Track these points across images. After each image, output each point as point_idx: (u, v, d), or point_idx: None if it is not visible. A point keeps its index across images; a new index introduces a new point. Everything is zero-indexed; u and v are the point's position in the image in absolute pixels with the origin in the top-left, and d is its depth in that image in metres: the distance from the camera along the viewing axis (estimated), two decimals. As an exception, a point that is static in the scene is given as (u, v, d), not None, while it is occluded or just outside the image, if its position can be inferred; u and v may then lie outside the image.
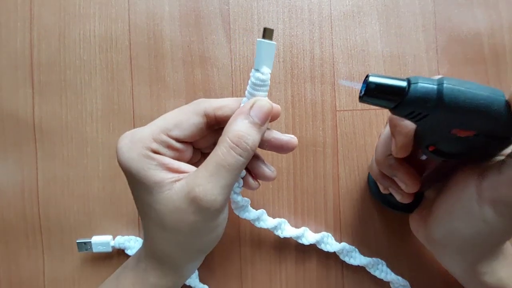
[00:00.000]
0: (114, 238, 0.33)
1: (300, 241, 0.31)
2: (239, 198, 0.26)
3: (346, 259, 0.31)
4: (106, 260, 0.33)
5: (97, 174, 0.33)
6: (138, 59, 0.33)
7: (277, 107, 0.23)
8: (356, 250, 0.32)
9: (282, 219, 0.31)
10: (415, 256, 0.32)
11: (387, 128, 0.23)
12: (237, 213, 0.28)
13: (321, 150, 0.33)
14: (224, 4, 0.33)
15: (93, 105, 0.33)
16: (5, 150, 0.34)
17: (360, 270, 0.32)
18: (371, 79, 0.18)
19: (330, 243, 0.31)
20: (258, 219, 0.30)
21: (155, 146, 0.22)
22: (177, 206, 0.21)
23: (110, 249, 0.32)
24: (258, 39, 0.22)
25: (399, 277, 0.31)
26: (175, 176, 0.22)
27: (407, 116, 0.18)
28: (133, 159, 0.22)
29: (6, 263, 0.34)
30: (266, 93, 0.23)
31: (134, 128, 0.33)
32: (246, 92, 0.23)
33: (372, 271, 0.31)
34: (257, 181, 0.25)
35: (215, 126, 0.24)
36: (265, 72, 0.22)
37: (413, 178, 0.23)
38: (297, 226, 0.32)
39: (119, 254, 0.33)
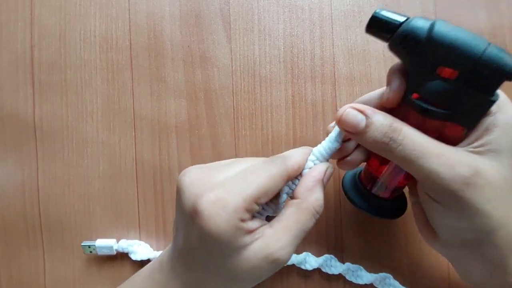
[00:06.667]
0: (117, 241, 0.33)
1: (324, 270, 0.32)
2: None
3: (353, 279, 0.31)
4: (106, 261, 0.33)
5: (97, 174, 0.33)
6: (139, 59, 0.33)
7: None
8: (361, 268, 0.31)
9: (329, 256, 0.32)
10: (418, 265, 0.32)
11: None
12: None
13: (321, 150, 0.33)
14: (225, 4, 0.33)
15: (93, 105, 0.33)
16: (5, 150, 0.34)
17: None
18: (377, 11, 0.20)
19: (334, 265, 0.31)
20: (303, 261, 0.31)
21: (246, 216, 0.21)
22: (254, 265, 0.21)
23: (114, 252, 0.32)
24: None
25: None
26: (251, 237, 0.21)
27: (398, 46, 0.20)
28: (224, 230, 0.20)
29: (6, 263, 0.34)
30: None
31: (134, 128, 0.33)
32: (318, 151, 0.24)
33: (380, 287, 0.31)
34: None
35: None
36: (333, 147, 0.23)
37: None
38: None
39: (122, 255, 0.33)
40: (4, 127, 0.34)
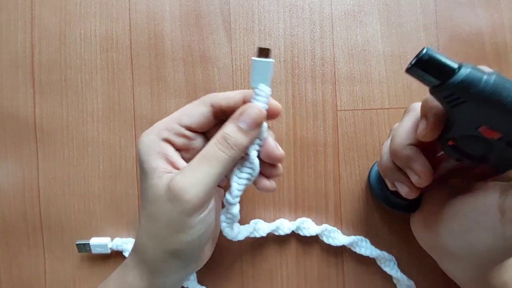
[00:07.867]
0: (112, 240, 0.33)
1: (277, 233, 0.32)
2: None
3: (330, 241, 0.31)
4: (105, 261, 0.33)
5: (97, 173, 0.33)
6: (139, 59, 0.33)
7: (276, 106, 0.25)
8: (338, 230, 0.32)
9: (305, 218, 0.32)
10: (417, 255, 0.32)
11: (407, 119, 0.23)
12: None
13: (322, 150, 0.33)
14: (225, 3, 0.33)
15: (93, 105, 0.33)
16: (6, 150, 0.34)
17: (362, 263, 0.32)
18: (427, 51, 0.18)
19: (311, 227, 0.31)
20: (280, 226, 0.32)
21: (166, 133, 0.24)
22: (158, 194, 0.22)
23: (108, 251, 0.32)
24: (253, 58, 0.23)
25: (384, 252, 0.31)
26: (169, 168, 0.23)
27: (445, 98, 0.19)
28: (144, 144, 0.24)
29: (7, 263, 0.34)
30: (265, 104, 0.24)
31: (134, 128, 0.33)
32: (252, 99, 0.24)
33: (357, 250, 0.31)
34: (271, 180, 0.26)
35: (222, 116, 0.25)
36: (263, 90, 0.23)
37: (429, 170, 0.23)
38: (297, 226, 0.32)
39: (117, 255, 0.33)
40: (5, 127, 0.34)
